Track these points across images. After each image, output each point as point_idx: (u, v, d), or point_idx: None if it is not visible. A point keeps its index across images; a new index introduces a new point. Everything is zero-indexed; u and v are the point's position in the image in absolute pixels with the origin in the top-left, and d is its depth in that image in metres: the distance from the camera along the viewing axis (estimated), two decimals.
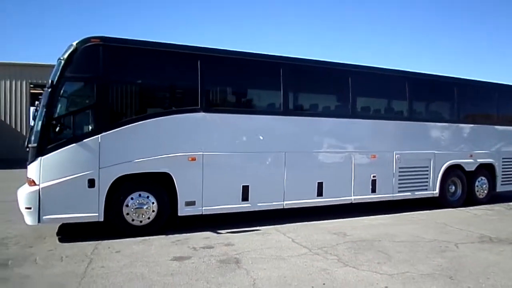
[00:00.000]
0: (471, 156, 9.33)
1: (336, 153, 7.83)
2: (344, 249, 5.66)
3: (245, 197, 6.90)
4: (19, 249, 5.47)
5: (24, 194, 5.71)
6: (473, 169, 9.36)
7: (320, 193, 7.58)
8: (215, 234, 6.37)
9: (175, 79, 6.81)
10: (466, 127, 9.39)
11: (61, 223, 5.93)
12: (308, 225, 7.16)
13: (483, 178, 9.62)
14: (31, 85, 23.85)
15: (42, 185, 5.63)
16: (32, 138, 5.89)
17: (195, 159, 6.50)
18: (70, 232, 6.24)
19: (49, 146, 5.71)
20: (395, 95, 8.73)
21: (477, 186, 9.54)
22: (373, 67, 8.40)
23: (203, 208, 6.60)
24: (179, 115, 6.49)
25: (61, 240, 5.93)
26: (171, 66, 6.58)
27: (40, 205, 5.60)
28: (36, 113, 6.36)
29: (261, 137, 7.03)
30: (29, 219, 5.67)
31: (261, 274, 4.53)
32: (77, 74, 5.91)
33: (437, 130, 9.00)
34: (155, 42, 6.40)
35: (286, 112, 7.29)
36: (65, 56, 5.82)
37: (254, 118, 7.13)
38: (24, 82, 23.91)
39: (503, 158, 9.82)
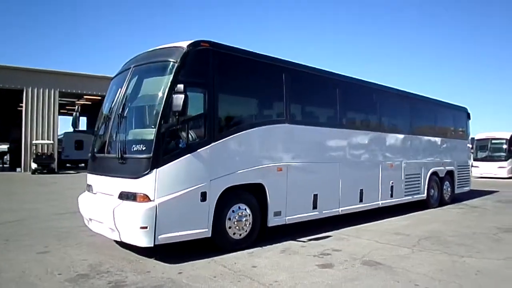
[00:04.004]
0: (442, 164, 11.31)
1: (372, 163, 8.72)
2: (429, 244, 6.47)
3: (315, 205, 7.20)
4: (140, 275, 4.75)
5: (138, 211, 4.99)
6: (443, 175, 11.35)
7: (361, 199, 8.33)
8: (301, 243, 6.48)
9: (269, 90, 6.78)
10: (442, 140, 11.39)
11: (171, 242, 5.28)
12: (358, 229, 7.75)
13: (448, 182, 11.72)
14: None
15: (158, 201, 5.03)
16: (140, 147, 5.22)
17: (281, 170, 6.58)
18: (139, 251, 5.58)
19: (164, 157, 5.15)
20: (405, 112, 10.17)
21: (444, 189, 11.56)
22: (397, 89, 9.75)
23: (287, 217, 6.68)
24: (271, 125, 6.53)
25: (160, 259, 5.31)
26: (267, 76, 6.68)
27: (156, 223, 4.99)
28: (121, 120, 5.61)
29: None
30: (144, 240, 4.98)
31: (419, 270, 5.00)
32: (190, 78, 5.46)
33: (427, 143, 10.74)
34: (256, 52, 6.38)
35: (341, 125, 7.90)
36: (177, 59, 5.36)
37: (322, 130, 7.55)
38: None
39: (458, 166, 12.14)
